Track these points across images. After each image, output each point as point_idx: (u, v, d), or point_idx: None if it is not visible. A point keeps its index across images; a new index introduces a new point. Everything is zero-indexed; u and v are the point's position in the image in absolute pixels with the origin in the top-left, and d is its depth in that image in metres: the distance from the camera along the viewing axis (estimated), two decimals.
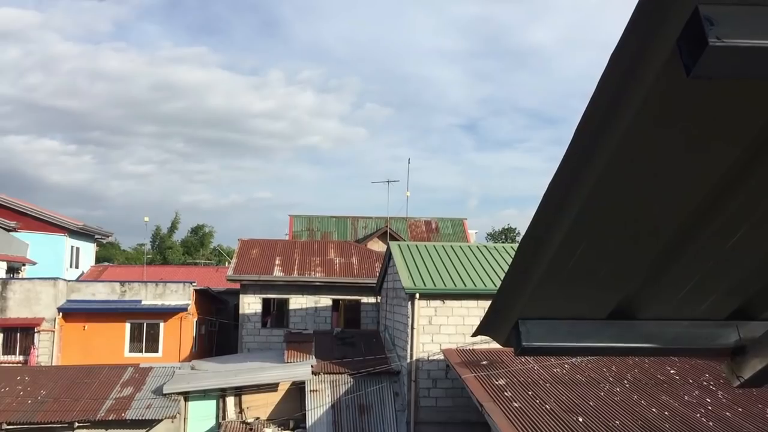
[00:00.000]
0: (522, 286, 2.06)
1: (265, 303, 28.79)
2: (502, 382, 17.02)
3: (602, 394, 15.77)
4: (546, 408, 14.90)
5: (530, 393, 16.05)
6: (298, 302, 28.63)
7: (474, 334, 2.33)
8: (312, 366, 22.36)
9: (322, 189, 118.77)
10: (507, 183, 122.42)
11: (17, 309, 27.62)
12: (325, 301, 28.68)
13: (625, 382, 16.64)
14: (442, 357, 20.39)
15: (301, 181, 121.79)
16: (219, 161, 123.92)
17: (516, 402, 15.38)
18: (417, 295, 20.67)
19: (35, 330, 27.43)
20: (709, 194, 1.82)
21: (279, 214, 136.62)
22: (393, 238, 33.11)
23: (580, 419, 13.99)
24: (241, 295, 28.75)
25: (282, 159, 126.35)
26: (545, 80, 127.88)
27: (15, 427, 20.11)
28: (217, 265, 50.30)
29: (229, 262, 31.76)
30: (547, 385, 16.68)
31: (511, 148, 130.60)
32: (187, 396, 21.69)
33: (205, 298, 31.35)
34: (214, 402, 21.78)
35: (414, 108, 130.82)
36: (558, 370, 17.81)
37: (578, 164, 1.74)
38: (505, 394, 16.07)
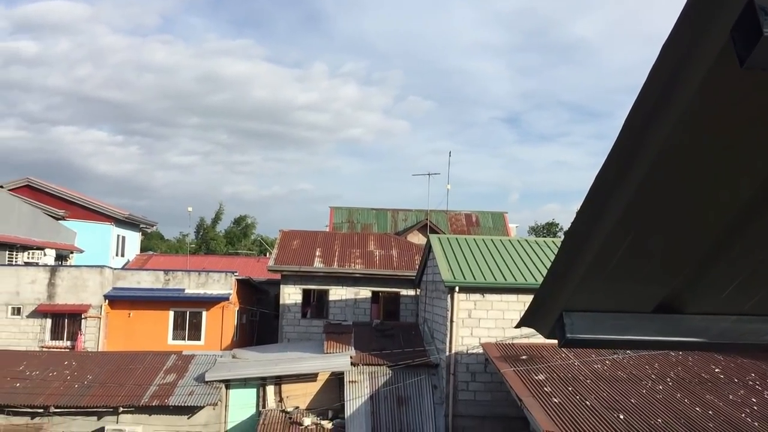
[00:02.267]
0: (566, 279, 2.06)
1: (305, 294, 29.02)
2: (541, 377, 16.91)
3: (644, 391, 15.55)
4: (586, 404, 14.77)
5: (570, 389, 15.92)
6: (337, 294, 28.80)
7: (517, 326, 2.34)
8: (351, 357, 22.50)
9: (362, 181, 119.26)
10: (549, 177, 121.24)
11: (65, 295, 28.36)
12: (365, 293, 28.79)
13: (668, 379, 16.39)
14: (481, 351, 20.34)
15: (342, 174, 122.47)
16: (262, 153, 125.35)
17: (556, 397, 15.27)
18: (456, 288, 20.63)
19: (82, 316, 28.12)
20: (761, 187, 1.80)
21: (319, 206, 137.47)
22: (433, 231, 33.07)
23: (621, 416, 13.84)
24: (281, 286, 29.03)
25: (324, 151, 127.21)
26: (588, 74, 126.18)
27: (63, 410, 20.67)
28: (259, 255, 50.86)
29: (270, 253, 32.09)
30: (588, 381, 16.53)
31: (553, 142, 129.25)
32: (229, 384, 22.01)
33: (246, 288, 31.75)
34: (254, 390, 22.06)
35: (456, 101, 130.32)
36: (599, 366, 17.62)
37: (626, 157, 1.73)
38: (545, 389, 15.96)
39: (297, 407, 21.62)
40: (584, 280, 2.07)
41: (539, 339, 19.67)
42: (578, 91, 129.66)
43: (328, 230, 38.23)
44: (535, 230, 70.64)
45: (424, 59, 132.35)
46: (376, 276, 28.70)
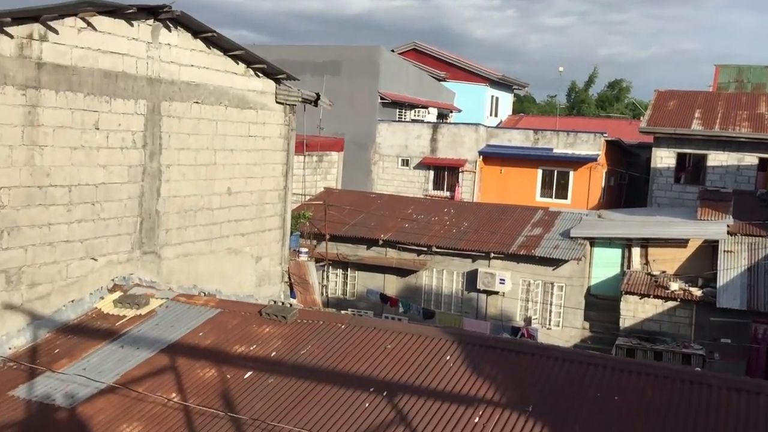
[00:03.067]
0: None
1: (680, 158, 27.40)
2: None
3: None
4: None
5: None
6: (717, 159, 26.61)
7: None
8: (728, 226, 20.95)
9: (758, 37, 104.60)
10: None
11: (445, 150, 31.10)
12: (750, 159, 26.13)
13: None
14: None
15: (736, 30, 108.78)
16: (641, 10, 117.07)
17: None
18: None
19: (459, 170, 30.67)
20: None
21: (704, 67, 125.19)
22: None
23: None
24: (653, 149, 27.78)
25: (713, 4, 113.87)
26: None
27: (442, 250, 23.17)
28: (632, 118, 48.84)
29: (644, 115, 30.60)
30: None
31: None
32: (593, 242, 22.23)
33: (615, 150, 31.06)
34: (619, 251, 21.96)
35: None
36: None
37: None
38: None
39: (664, 271, 21.08)
40: None
41: None
42: None
43: (711, 91, 34.88)
44: None
45: None
46: (765, 141, 25.71)
